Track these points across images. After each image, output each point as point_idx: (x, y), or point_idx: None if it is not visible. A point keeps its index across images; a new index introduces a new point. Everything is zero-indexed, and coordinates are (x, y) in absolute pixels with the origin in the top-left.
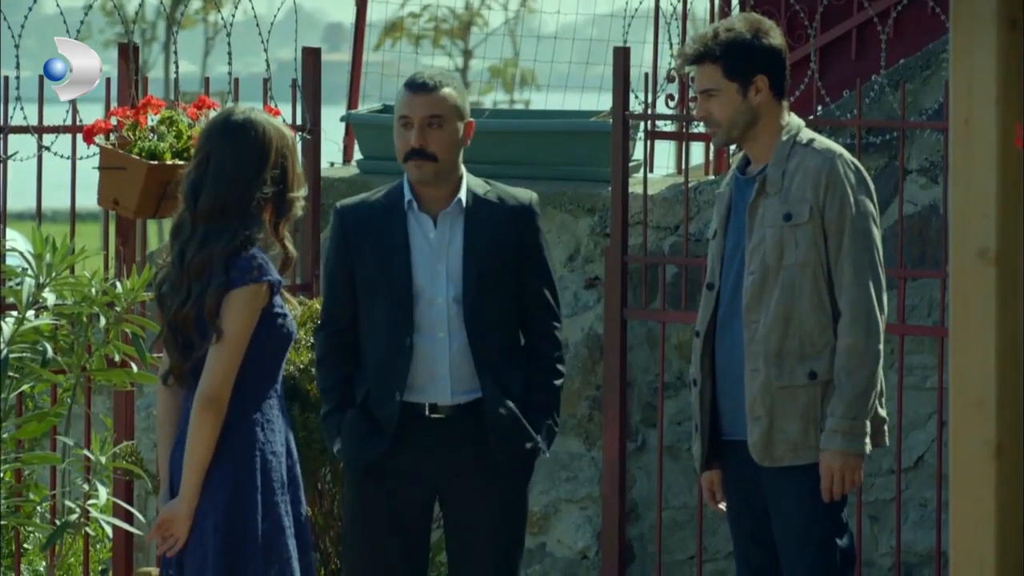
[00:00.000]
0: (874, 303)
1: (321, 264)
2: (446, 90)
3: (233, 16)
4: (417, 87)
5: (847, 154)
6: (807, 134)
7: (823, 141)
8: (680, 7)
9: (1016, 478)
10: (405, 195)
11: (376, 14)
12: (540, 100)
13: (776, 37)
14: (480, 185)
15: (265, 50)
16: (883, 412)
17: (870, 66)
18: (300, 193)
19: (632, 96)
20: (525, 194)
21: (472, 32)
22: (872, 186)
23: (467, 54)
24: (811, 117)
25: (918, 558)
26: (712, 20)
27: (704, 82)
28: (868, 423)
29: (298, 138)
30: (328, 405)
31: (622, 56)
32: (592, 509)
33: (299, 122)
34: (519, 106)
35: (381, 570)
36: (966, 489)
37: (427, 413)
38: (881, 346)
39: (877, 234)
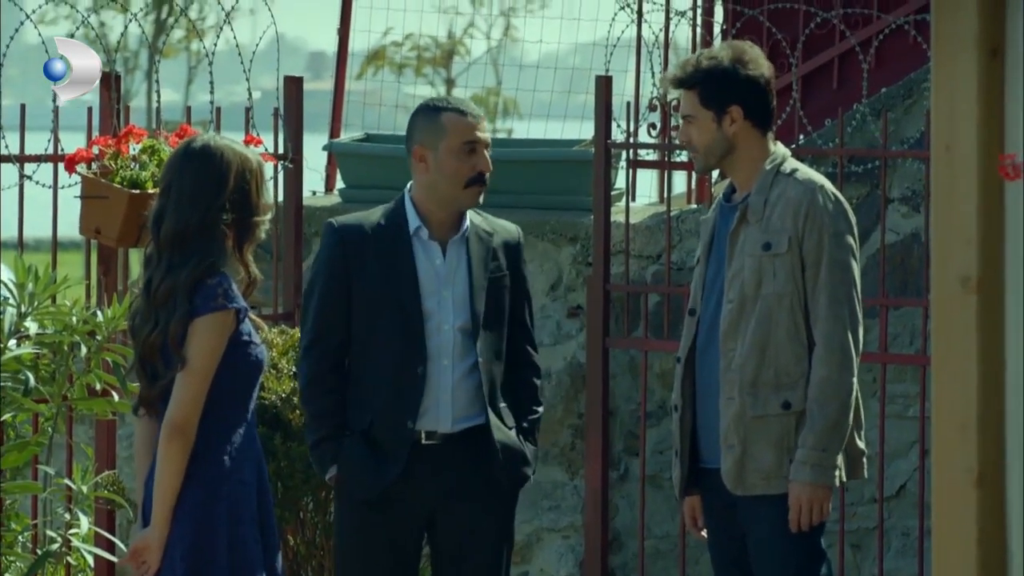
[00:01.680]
0: (848, 336)
1: (305, 282)
2: None
3: (215, 45)
4: (475, 113)
5: (829, 185)
6: (791, 164)
7: (806, 171)
8: (662, 36)
9: (998, 505)
10: (411, 221)
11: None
12: (522, 129)
13: (758, 67)
14: (473, 214)
15: (247, 79)
16: (861, 444)
17: (852, 95)
18: (263, 217)
19: (614, 125)
20: (512, 226)
21: (455, 61)
22: (853, 218)
23: (449, 83)
24: (793, 146)
25: None
26: (694, 49)
27: (684, 108)
28: (840, 456)
29: (280, 167)
30: (321, 431)
31: (604, 85)
32: (575, 538)
33: (281, 151)
34: (501, 135)
35: None
36: (948, 516)
37: (423, 440)
38: (854, 379)
39: (856, 267)
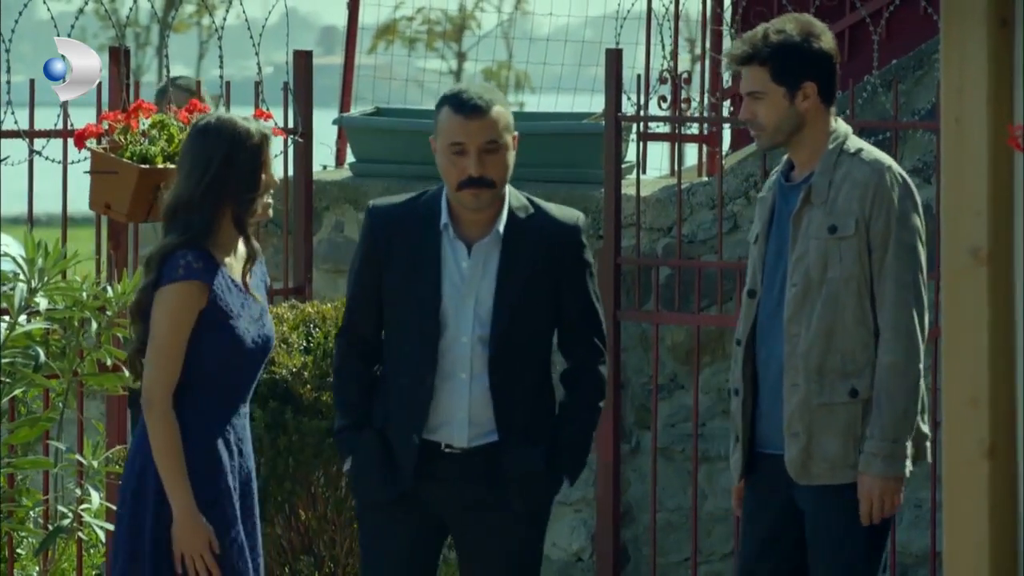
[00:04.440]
0: (915, 321)
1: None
2: (497, 109)
3: (224, 20)
4: (470, 110)
5: (896, 166)
6: (855, 142)
7: (872, 151)
8: (672, 8)
9: (1009, 477)
10: (442, 216)
11: (370, 17)
12: (534, 102)
13: (828, 41)
14: (522, 207)
15: (257, 53)
16: (925, 428)
17: (863, 66)
18: (259, 193)
19: (625, 98)
20: (571, 215)
21: (466, 35)
22: (919, 199)
23: (461, 57)
24: None
25: (913, 559)
26: (704, 22)
27: (751, 84)
28: (909, 444)
29: (290, 141)
30: (344, 420)
31: (614, 58)
32: (587, 512)
33: (291, 125)
34: (513, 108)
35: None
36: (960, 489)
37: (444, 449)
38: (921, 365)
39: (922, 250)
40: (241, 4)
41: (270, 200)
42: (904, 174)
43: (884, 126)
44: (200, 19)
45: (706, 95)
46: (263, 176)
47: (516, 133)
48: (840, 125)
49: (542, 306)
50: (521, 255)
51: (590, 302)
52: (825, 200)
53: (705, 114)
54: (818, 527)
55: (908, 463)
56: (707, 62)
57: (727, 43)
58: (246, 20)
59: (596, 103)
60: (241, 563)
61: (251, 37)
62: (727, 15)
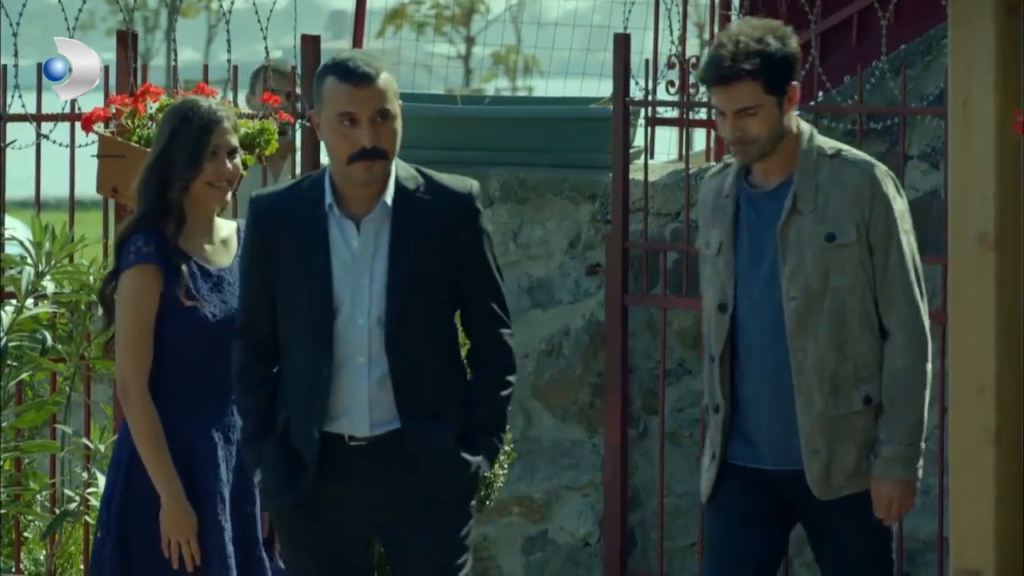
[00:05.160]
0: (924, 321)
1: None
2: (385, 75)
3: (232, 4)
4: (359, 77)
5: (879, 163)
6: (827, 142)
7: (851, 151)
8: None
9: (1015, 463)
10: (326, 195)
11: (378, 1)
12: (542, 87)
13: (795, 39)
14: (411, 177)
15: (265, 38)
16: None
17: (871, 52)
18: (200, 177)
19: (633, 82)
20: (463, 183)
21: (474, 19)
22: (903, 191)
23: (469, 41)
24: (812, 103)
25: (921, 544)
26: (713, 7)
27: (741, 100)
28: (923, 445)
29: (297, 125)
30: (246, 430)
31: (622, 43)
32: (594, 496)
33: (298, 109)
34: (522, 93)
35: None
36: (966, 475)
37: (348, 442)
38: (930, 365)
39: (916, 245)
40: None
41: (220, 188)
42: (887, 169)
43: (892, 111)
44: (209, 3)
45: None
46: (204, 160)
47: (401, 102)
48: (802, 124)
49: (441, 280)
50: (413, 227)
51: (489, 272)
52: (814, 207)
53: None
54: (841, 537)
55: (921, 463)
56: None
57: None
58: (254, 4)
59: (604, 88)
60: (226, 552)
61: (259, 21)
62: (735, 0)
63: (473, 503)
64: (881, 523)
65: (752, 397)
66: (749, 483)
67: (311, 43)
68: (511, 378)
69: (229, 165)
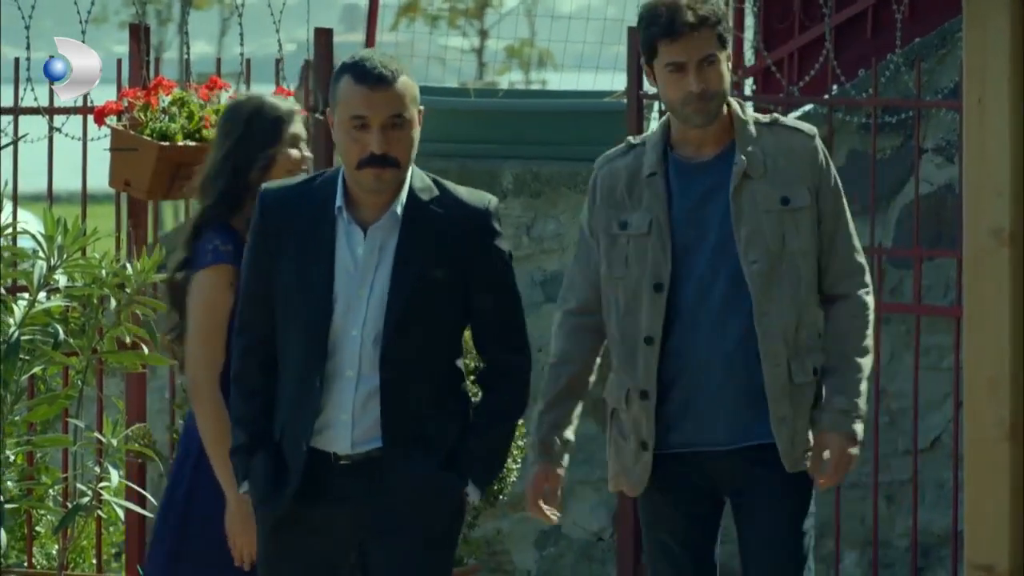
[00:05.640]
0: (871, 298)
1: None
2: (404, 79)
3: None
4: (374, 80)
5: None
6: (758, 115)
7: (789, 120)
8: None
9: None
10: (337, 197)
11: None
12: (556, 80)
13: None
14: (426, 188)
15: (277, 31)
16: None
17: (886, 45)
18: (274, 168)
19: (646, 76)
20: (481, 199)
21: (488, 12)
22: None
23: (483, 34)
24: (827, 96)
25: (935, 539)
26: (727, 1)
27: (706, 48)
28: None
29: (310, 119)
30: (237, 439)
31: (636, 36)
32: (607, 491)
33: (311, 103)
34: (535, 86)
35: None
36: (980, 469)
37: (334, 461)
38: (871, 340)
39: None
40: None
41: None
42: None
43: (907, 104)
44: None
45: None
46: (276, 152)
47: (422, 108)
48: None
49: (446, 298)
50: (422, 240)
51: (506, 294)
52: (764, 172)
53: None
54: (773, 514)
55: (862, 427)
56: (729, 40)
57: (749, 21)
58: None
59: (618, 81)
60: None
61: (272, 14)
62: None
63: (459, 535)
64: (803, 502)
65: (696, 377)
66: (684, 470)
67: (324, 36)
68: (518, 409)
69: (302, 153)
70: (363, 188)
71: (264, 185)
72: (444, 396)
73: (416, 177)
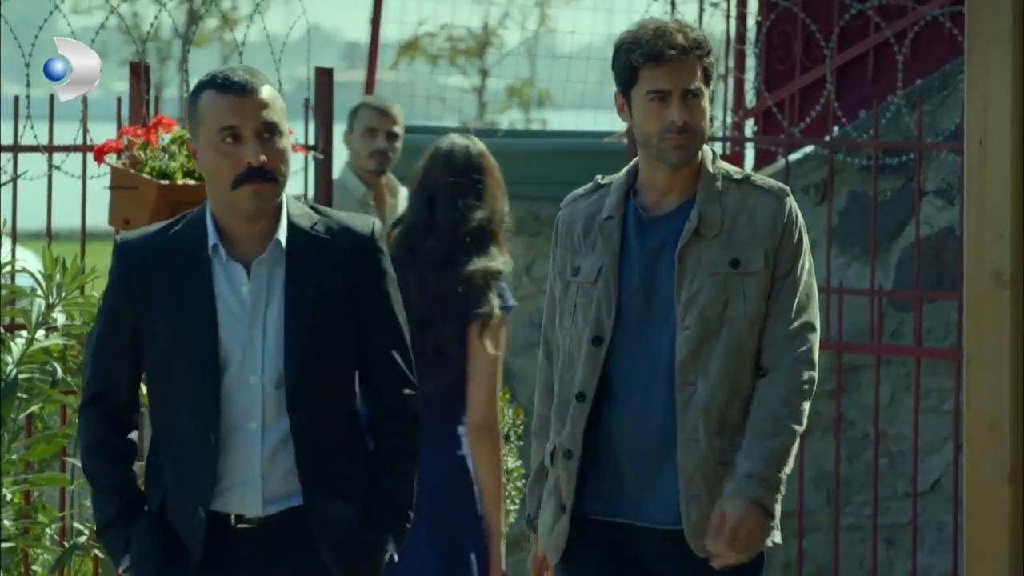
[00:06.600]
0: (811, 359)
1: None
2: (269, 88)
3: (246, 35)
4: (240, 87)
5: (790, 192)
6: (733, 167)
7: (763, 178)
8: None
9: None
10: (209, 236)
11: (393, 33)
12: (556, 120)
13: None
14: (304, 213)
15: (278, 69)
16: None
17: (887, 87)
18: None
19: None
20: (364, 222)
21: (489, 51)
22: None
23: (484, 73)
24: (828, 138)
25: None
26: (727, 41)
27: (692, 78)
28: (784, 481)
29: (310, 157)
30: (109, 510)
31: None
32: None
33: (311, 142)
34: (536, 126)
35: None
36: (980, 513)
37: (234, 523)
38: (808, 404)
39: (815, 281)
40: (263, 20)
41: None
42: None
43: (908, 146)
44: (222, 34)
45: (729, 114)
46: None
47: (291, 129)
48: (703, 146)
49: (343, 332)
50: (311, 271)
51: (391, 318)
52: (719, 232)
53: (728, 133)
54: None
55: (780, 499)
56: (730, 81)
57: (750, 63)
58: (268, 35)
59: (618, 122)
60: None
61: (272, 53)
62: (750, 34)
63: None
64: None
65: (625, 442)
66: (605, 539)
67: (325, 75)
68: (419, 449)
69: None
70: (240, 211)
71: (120, 236)
72: (350, 438)
73: (291, 204)
